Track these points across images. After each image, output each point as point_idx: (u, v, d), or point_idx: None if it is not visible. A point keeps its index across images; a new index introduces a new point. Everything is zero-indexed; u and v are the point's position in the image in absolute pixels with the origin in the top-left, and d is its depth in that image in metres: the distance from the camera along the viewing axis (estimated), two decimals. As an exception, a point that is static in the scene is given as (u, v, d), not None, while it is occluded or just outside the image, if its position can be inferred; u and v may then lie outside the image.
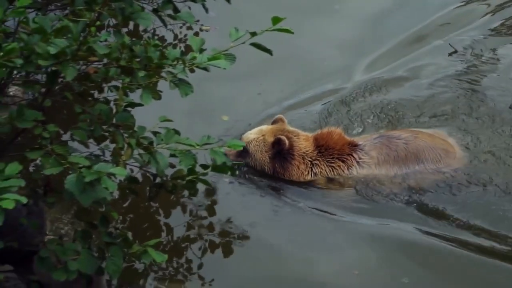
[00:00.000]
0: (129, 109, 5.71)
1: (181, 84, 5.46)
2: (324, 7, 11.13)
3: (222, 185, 8.22)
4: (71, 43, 5.11)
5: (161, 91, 5.66)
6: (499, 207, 7.98)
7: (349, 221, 7.95)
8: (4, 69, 4.98)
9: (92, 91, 6.01)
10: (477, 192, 8.16)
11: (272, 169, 8.36)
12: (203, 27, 10.31)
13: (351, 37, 10.66)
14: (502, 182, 8.21)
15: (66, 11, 6.47)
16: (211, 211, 7.91)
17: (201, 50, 5.54)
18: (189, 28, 10.28)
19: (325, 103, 9.45)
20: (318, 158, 8.37)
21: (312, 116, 9.24)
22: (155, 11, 6.36)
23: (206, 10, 6.77)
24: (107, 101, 5.95)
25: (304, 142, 8.41)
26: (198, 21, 10.00)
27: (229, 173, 6.05)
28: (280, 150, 8.30)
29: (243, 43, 5.58)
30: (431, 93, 9.56)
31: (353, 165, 8.34)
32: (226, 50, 5.54)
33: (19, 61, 4.98)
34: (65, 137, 7.29)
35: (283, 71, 9.87)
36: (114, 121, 5.64)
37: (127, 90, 5.61)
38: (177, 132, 5.75)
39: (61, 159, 5.20)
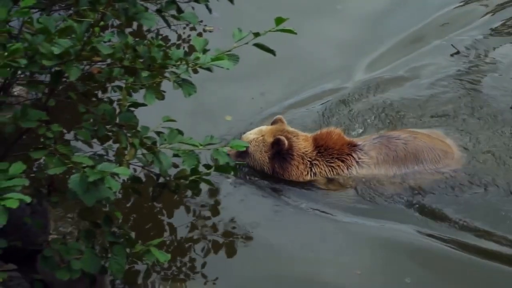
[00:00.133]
0: (132, 109, 5.72)
1: (185, 84, 5.48)
2: (326, 7, 11.14)
3: (224, 185, 8.23)
4: (75, 43, 5.12)
5: (164, 91, 5.67)
6: (499, 207, 7.99)
7: (350, 221, 7.95)
8: (8, 69, 4.99)
9: (96, 91, 6.03)
10: (477, 192, 8.16)
11: (272, 169, 8.38)
12: (207, 28, 10.32)
13: (352, 37, 10.66)
14: (502, 182, 8.22)
15: (70, 12, 6.49)
16: (214, 211, 7.93)
17: (205, 51, 5.55)
18: (193, 28, 10.29)
19: (325, 103, 9.46)
20: (318, 158, 8.39)
21: (313, 116, 9.25)
22: (158, 11, 6.38)
23: (210, 10, 6.80)
24: (110, 101, 5.97)
25: (303, 142, 8.42)
26: (201, 21, 10.02)
27: (232, 173, 6.06)
28: (280, 150, 8.32)
29: (247, 43, 5.59)
30: (431, 93, 9.56)
31: (352, 165, 8.35)
32: (229, 51, 5.56)
33: (23, 61, 5.00)
34: (69, 136, 7.32)
35: (285, 71, 9.88)
36: (117, 121, 5.65)
37: (131, 90, 5.62)
38: (180, 132, 5.76)
39: (64, 159, 5.21)
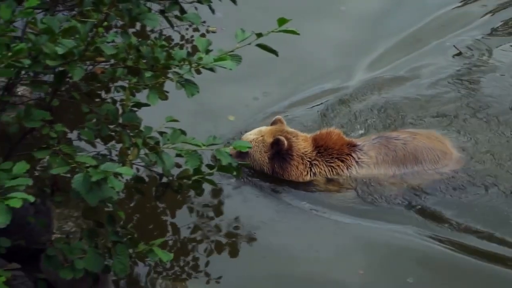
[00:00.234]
0: (135, 109, 5.73)
1: (187, 85, 5.49)
2: (331, 8, 11.15)
3: (225, 186, 8.25)
4: (78, 44, 5.14)
5: (167, 92, 5.68)
6: (499, 208, 7.99)
7: (351, 222, 7.96)
8: (12, 69, 5.01)
9: (99, 91, 6.05)
10: (477, 193, 8.18)
11: (271, 169, 8.40)
12: (210, 28, 10.33)
13: (353, 37, 10.67)
14: (502, 183, 8.22)
15: (74, 12, 6.50)
16: (217, 211, 7.94)
17: (208, 51, 5.57)
18: (196, 29, 10.31)
19: (326, 103, 9.48)
20: (317, 159, 8.41)
21: (314, 116, 9.26)
22: (162, 12, 6.40)
23: (213, 11, 6.82)
24: (114, 101, 5.99)
25: (303, 142, 8.44)
26: (204, 22, 10.02)
27: (235, 173, 6.07)
28: (279, 151, 8.34)
29: (249, 44, 5.61)
30: (432, 93, 9.59)
31: (352, 165, 8.37)
32: (232, 51, 5.57)
33: (27, 61, 5.02)
34: (72, 136, 7.33)
35: (286, 71, 9.90)
36: (120, 121, 5.66)
37: (134, 90, 5.63)
38: (183, 132, 5.76)
39: (68, 159, 5.22)
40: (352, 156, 8.39)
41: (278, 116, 8.65)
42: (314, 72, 10.07)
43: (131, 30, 8.81)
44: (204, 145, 5.75)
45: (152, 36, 9.94)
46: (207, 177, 5.99)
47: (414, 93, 9.64)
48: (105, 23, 5.31)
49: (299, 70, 10.05)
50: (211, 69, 5.52)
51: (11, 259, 6.29)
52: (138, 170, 6.96)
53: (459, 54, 10.30)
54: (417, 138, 8.42)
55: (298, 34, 5.61)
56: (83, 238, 5.77)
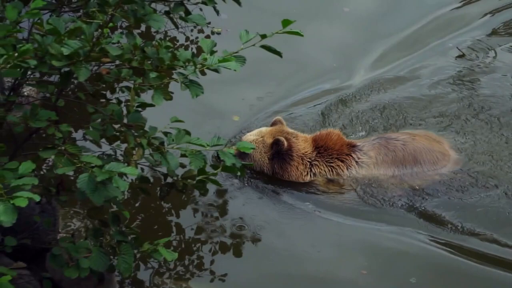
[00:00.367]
0: (140, 109, 5.76)
1: (192, 85, 5.50)
2: (333, 9, 11.17)
3: (228, 186, 8.27)
4: (84, 44, 5.16)
5: (172, 92, 5.71)
6: (498, 208, 8.00)
7: (353, 222, 7.96)
8: (18, 69, 5.03)
9: (104, 92, 6.08)
10: (476, 193, 8.18)
11: (271, 170, 8.42)
12: (215, 29, 10.35)
13: (354, 38, 10.70)
14: (502, 184, 8.24)
15: (79, 13, 6.54)
16: (221, 211, 7.96)
17: (212, 52, 5.59)
18: (201, 31, 10.33)
19: (328, 103, 9.49)
20: (317, 159, 8.43)
21: (316, 116, 9.28)
22: (167, 13, 6.43)
23: (217, 12, 6.84)
24: (119, 102, 6.02)
25: (303, 143, 8.46)
26: (209, 23, 10.04)
27: (239, 173, 6.09)
28: (279, 151, 8.35)
29: (254, 45, 5.63)
30: (432, 94, 9.60)
31: (352, 165, 8.40)
32: (236, 52, 5.60)
33: (33, 62, 5.05)
34: (77, 136, 7.37)
35: (289, 72, 9.92)
36: (125, 121, 5.69)
37: (139, 91, 5.66)
38: (187, 133, 5.78)
39: (73, 159, 5.25)
40: (352, 156, 8.42)
41: (278, 117, 8.67)
42: (316, 72, 10.09)
43: (136, 31, 8.87)
44: (208, 145, 5.78)
45: (157, 37, 9.97)
46: (211, 177, 6.02)
47: (415, 93, 9.65)
48: (111, 24, 5.35)
49: (301, 70, 10.06)
50: (216, 70, 5.54)
51: (16, 258, 6.32)
52: (143, 170, 6.99)
53: (462, 56, 10.30)
54: (416, 139, 8.44)
55: (302, 35, 5.64)
56: (88, 238, 5.80)
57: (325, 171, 8.42)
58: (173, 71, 5.58)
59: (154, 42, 5.58)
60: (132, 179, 7.01)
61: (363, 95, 9.61)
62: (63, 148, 5.37)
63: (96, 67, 5.82)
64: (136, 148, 5.65)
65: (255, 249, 7.62)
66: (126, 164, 5.40)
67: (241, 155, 8.22)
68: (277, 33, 5.59)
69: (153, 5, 6.65)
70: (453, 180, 8.31)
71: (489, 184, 8.25)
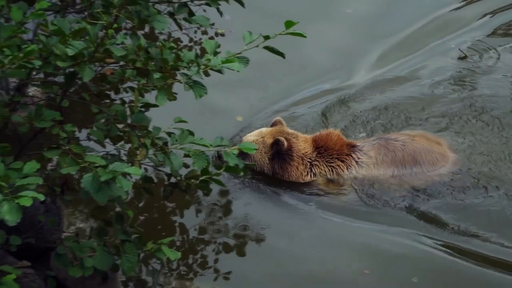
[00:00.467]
0: (143, 110, 5.78)
1: (195, 86, 5.53)
2: (336, 10, 11.19)
3: (230, 187, 8.30)
4: (88, 45, 5.19)
5: (175, 93, 5.74)
6: (497, 208, 8.01)
7: (355, 222, 7.99)
8: (23, 70, 5.06)
9: (109, 92, 6.10)
10: (476, 194, 8.19)
11: (272, 170, 8.45)
12: (219, 30, 10.37)
13: (355, 38, 10.72)
14: (502, 185, 8.25)
15: (83, 15, 6.56)
16: (224, 211, 7.99)
17: (216, 53, 5.62)
18: (205, 32, 10.36)
19: (327, 103, 9.52)
20: (318, 159, 8.46)
21: (318, 117, 9.31)
22: (170, 14, 6.46)
23: (221, 13, 6.87)
24: (123, 102, 6.05)
25: (303, 143, 8.49)
26: (213, 24, 10.06)
27: (242, 173, 6.12)
28: (279, 151, 8.38)
29: (257, 46, 5.66)
30: (433, 94, 9.62)
31: (352, 164, 8.42)
32: (239, 53, 5.62)
33: (38, 62, 5.08)
34: (81, 136, 7.40)
35: (291, 72, 9.95)
36: (129, 121, 5.72)
37: (142, 91, 5.69)
38: (191, 133, 5.81)
39: (78, 159, 5.28)
40: (352, 156, 8.45)
41: (278, 117, 8.70)
42: (317, 72, 10.11)
43: (140, 32, 8.90)
44: (211, 145, 5.80)
45: (161, 38, 10.00)
46: (214, 177, 6.05)
47: (415, 93, 9.67)
48: (115, 25, 5.37)
49: (301, 70, 10.08)
50: (219, 71, 5.56)
51: (21, 257, 6.35)
52: (146, 170, 7.02)
53: (464, 57, 10.30)
54: (416, 140, 8.47)
55: (305, 36, 5.67)
56: (92, 237, 5.83)
57: (325, 171, 8.45)
58: (177, 72, 5.60)
59: (158, 43, 5.60)
60: (135, 179, 7.03)
61: (364, 95, 9.64)
62: (67, 148, 5.39)
63: (100, 68, 5.84)
64: (140, 148, 5.67)
65: (257, 249, 7.65)
66: (130, 164, 5.43)
67: (242, 155, 8.24)
68: (280, 34, 5.61)
69: (157, 6, 6.67)
70: (452, 181, 8.33)
71: (490, 185, 8.26)
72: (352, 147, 8.50)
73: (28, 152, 5.79)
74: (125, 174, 5.05)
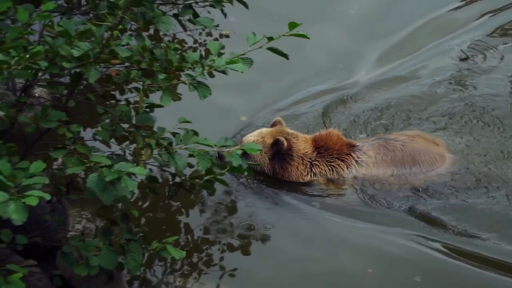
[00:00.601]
0: (148, 110, 5.82)
1: (200, 87, 5.56)
2: (339, 11, 11.21)
3: (236, 186, 8.33)
4: (94, 46, 5.22)
5: (180, 94, 5.77)
6: (496, 209, 8.03)
7: (357, 222, 8.01)
8: (29, 71, 5.09)
9: (114, 93, 6.13)
10: (476, 194, 8.21)
11: (272, 170, 8.48)
12: (223, 32, 10.40)
13: (354, 38, 10.75)
14: (501, 186, 8.27)
15: (88, 16, 6.60)
16: (229, 210, 8.02)
17: (220, 54, 5.65)
18: (209, 33, 10.38)
19: (328, 103, 9.55)
20: (318, 159, 8.49)
21: (317, 116, 9.34)
22: (175, 15, 6.49)
23: (225, 15, 6.90)
24: (128, 103, 6.08)
25: (303, 143, 8.52)
26: (217, 25, 10.08)
27: (246, 173, 6.15)
28: (279, 151, 8.41)
29: (261, 47, 5.69)
30: (433, 94, 9.65)
31: (352, 164, 8.45)
32: (243, 54, 5.66)
33: (44, 63, 5.12)
34: (87, 136, 7.43)
35: (289, 72, 9.98)
36: (134, 121, 5.76)
37: (147, 92, 5.72)
38: (195, 133, 5.84)
39: (83, 158, 5.31)
40: (352, 156, 8.48)
41: (278, 118, 8.72)
42: (318, 72, 10.14)
43: (145, 33, 8.94)
44: (215, 146, 5.83)
45: (166, 39, 10.02)
46: (218, 177, 6.08)
47: (415, 93, 9.69)
48: (120, 26, 5.41)
49: (302, 70, 10.10)
50: (224, 72, 5.59)
51: (27, 256, 6.39)
52: (151, 170, 7.06)
53: (466, 58, 10.32)
54: (415, 140, 8.50)
55: (309, 38, 5.70)
56: (98, 236, 5.85)
57: (325, 170, 8.48)
58: (181, 73, 5.63)
59: (162, 44, 5.63)
60: (140, 179, 7.06)
61: (364, 95, 9.67)
62: (73, 148, 5.42)
63: (105, 69, 5.87)
64: (145, 148, 5.70)
65: (262, 248, 7.67)
66: (135, 164, 5.44)
67: (243, 155, 8.25)
68: (284, 35, 5.64)
69: (161, 7, 6.70)
70: (452, 181, 8.35)
71: (490, 185, 8.28)
72: (352, 146, 8.53)
73: (34, 152, 5.81)
74: (130, 174, 5.07)
